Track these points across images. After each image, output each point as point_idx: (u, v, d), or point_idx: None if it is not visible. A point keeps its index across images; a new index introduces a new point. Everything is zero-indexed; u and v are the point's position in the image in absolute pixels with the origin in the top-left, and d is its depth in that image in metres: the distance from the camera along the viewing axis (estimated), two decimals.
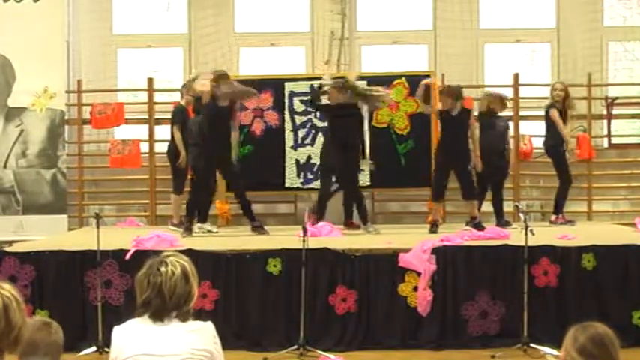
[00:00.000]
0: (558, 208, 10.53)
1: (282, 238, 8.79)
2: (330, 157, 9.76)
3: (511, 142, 11.63)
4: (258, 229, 9.54)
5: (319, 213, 9.64)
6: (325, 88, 9.86)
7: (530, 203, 10.97)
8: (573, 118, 11.81)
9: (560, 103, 10.42)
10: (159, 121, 11.77)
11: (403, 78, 11.21)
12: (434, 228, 9.59)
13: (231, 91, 9.43)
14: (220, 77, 9.44)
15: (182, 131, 10.26)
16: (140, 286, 3.52)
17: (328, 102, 9.85)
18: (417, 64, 12.16)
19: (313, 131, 11.23)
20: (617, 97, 11.96)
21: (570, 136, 11.70)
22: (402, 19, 12.38)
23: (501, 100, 10.48)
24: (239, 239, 9.09)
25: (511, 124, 11.67)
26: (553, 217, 10.51)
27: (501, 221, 10.09)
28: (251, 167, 10.97)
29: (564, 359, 3.20)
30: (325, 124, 10.49)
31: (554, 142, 10.42)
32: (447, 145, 9.62)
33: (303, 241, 7.50)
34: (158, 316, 3.47)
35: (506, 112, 11.71)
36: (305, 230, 7.57)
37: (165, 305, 3.46)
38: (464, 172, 9.63)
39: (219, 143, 9.31)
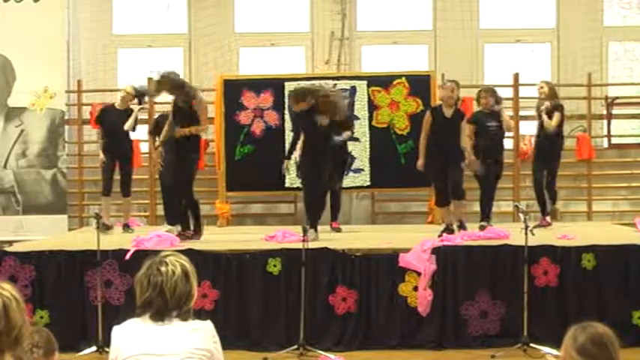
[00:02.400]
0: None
1: None
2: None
3: (511, 142, 11.65)
4: None
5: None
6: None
7: (531, 203, 10.94)
8: (573, 118, 11.84)
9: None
10: None
11: (403, 78, 11.22)
12: (450, 229, 9.10)
13: None
14: None
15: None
16: (140, 287, 3.51)
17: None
18: (417, 64, 12.17)
19: None
20: (617, 97, 11.96)
21: (570, 136, 11.73)
22: (402, 19, 12.39)
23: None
24: (239, 239, 9.08)
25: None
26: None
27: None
28: (251, 167, 11.00)
29: (564, 359, 3.19)
30: None
31: None
32: (440, 145, 9.18)
33: (303, 241, 7.51)
34: (159, 316, 3.47)
35: (507, 112, 11.73)
36: (305, 230, 7.57)
37: (166, 305, 3.45)
38: (457, 170, 9.28)
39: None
